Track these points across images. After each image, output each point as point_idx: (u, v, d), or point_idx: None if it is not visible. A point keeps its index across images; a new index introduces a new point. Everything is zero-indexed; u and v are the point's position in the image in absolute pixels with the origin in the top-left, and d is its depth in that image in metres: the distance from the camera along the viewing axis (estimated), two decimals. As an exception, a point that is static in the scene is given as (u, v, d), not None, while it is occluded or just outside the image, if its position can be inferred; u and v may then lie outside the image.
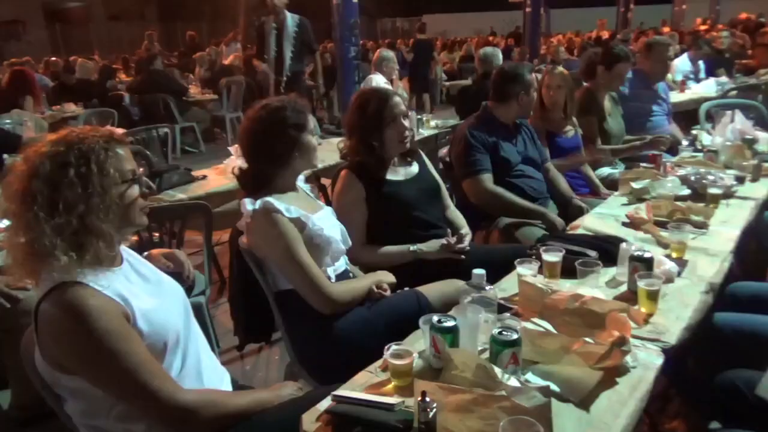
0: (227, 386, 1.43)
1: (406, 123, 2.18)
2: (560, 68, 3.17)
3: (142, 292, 1.24)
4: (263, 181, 1.77)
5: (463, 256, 2.16)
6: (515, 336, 1.24)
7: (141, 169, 1.33)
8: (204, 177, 3.27)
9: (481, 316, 1.36)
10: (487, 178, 2.66)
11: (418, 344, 1.42)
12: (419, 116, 4.40)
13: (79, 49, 14.84)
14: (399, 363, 1.26)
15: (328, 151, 3.69)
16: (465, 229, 2.33)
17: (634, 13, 15.33)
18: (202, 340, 1.40)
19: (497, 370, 1.18)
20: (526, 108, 2.82)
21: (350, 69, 6.80)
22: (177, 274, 1.49)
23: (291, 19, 5.56)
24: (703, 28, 12.16)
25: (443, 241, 2.15)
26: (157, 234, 2.44)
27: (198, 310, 2.38)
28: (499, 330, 1.26)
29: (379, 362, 1.35)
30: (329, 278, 1.76)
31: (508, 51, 10.12)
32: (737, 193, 2.50)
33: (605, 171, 3.38)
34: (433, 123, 4.57)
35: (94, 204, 1.17)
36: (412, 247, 2.13)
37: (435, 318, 1.32)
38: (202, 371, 1.33)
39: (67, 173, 1.15)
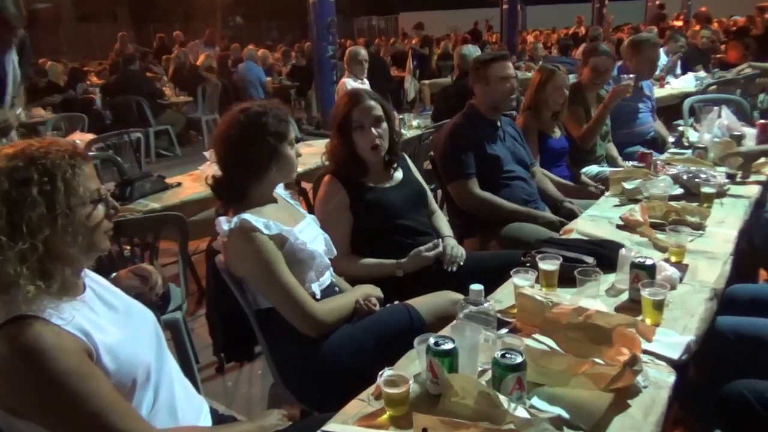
0: (206, 420, 1.31)
1: (375, 132, 2.03)
2: (562, 67, 3.10)
3: (108, 324, 1.12)
4: (238, 191, 1.65)
5: (453, 268, 2.07)
6: (520, 359, 1.14)
7: (110, 189, 1.21)
8: (179, 184, 3.12)
9: (481, 336, 1.27)
10: (474, 183, 2.57)
11: (412, 366, 1.32)
12: (400, 117, 4.30)
13: (48, 52, 14.43)
14: (394, 392, 1.15)
15: (309, 154, 3.57)
16: (445, 239, 2.20)
17: (608, 9, 15.42)
18: (177, 372, 1.27)
19: (502, 398, 1.08)
20: (499, 95, 2.65)
21: (328, 68, 6.70)
22: (142, 294, 1.36)
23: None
24: (677, 23, 12.28)
25: (422, 249, 2.04)
26: (128, 247, 2.29)
27: (174, 327, 2.26)
28: (503, 352, 1.16)
29: (372, 389, 1.25)
30: (314, 295, 1.65)
31: (482, 49, 10.07)
32: (729, 191, 2.45)
33: (594, 169, 3.32)
34: (415, 123, 4.47)
35: (60, 226, 1.05)
36: (397, 265, 2.03)
37: (432, 340, 1.21)
38: (177, 406, 1.20)
39: (29, 191, 1.03)
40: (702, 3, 14.98)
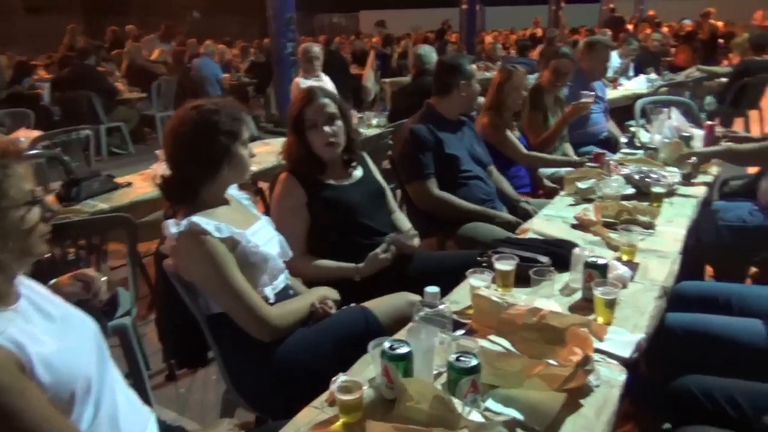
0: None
1: (328, 130, 2.01)
2: (521, 68, 3.14)
3: (44, 334, 1.05)
4: (188, 191, 1.59)
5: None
6: (475, 362, 1.13)
7: (55, 189, 1.14)
8: (129, 184, 3.01)
9: (437, 339, 1.25)
10: (432, 183, 2.58)
11: (367, 371, 1.30)
12: (360, 115, 4.26)
13: (-6, 44, 13.75)
14: (347, 398, 1.13)
15: (267, 153, 3.51)
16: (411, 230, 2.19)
17: (564, 12, 15.75)
18: (120, 383, 1.21)
19: (456, 402, 1.08)
20: (470, 99, 2.75)
21: (287, 65, 6.62)
22: (85, 301, 1.29)
23: None
24: (629, 27, 12.64)
25: (378, 252, 2.00)
26: (72, 250, 2.19)
27: (123, 333, 2.18)
28: (457, 355, 1.15)
29: (326, 395, 1.22)
30: (267, 299, 1.60)
31: (442, 48, 10.13)
32: (678, 191, 2.52)
33: (549, 169, 3.37)
34: (375, 122, 4.45)
35: None
36: (356, 270, 2.00)
37: (387, 344, 1.19)
38: (120, 420, 1.14)
39: None
40: (653, 7, 15.48)
